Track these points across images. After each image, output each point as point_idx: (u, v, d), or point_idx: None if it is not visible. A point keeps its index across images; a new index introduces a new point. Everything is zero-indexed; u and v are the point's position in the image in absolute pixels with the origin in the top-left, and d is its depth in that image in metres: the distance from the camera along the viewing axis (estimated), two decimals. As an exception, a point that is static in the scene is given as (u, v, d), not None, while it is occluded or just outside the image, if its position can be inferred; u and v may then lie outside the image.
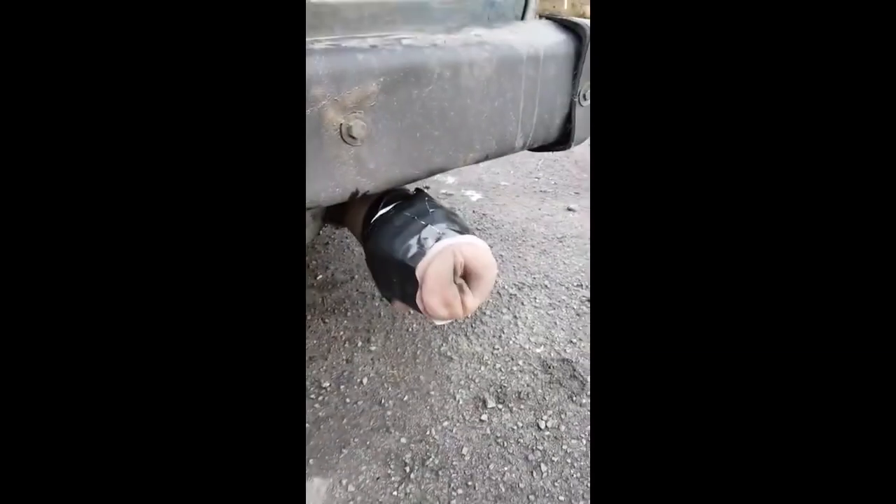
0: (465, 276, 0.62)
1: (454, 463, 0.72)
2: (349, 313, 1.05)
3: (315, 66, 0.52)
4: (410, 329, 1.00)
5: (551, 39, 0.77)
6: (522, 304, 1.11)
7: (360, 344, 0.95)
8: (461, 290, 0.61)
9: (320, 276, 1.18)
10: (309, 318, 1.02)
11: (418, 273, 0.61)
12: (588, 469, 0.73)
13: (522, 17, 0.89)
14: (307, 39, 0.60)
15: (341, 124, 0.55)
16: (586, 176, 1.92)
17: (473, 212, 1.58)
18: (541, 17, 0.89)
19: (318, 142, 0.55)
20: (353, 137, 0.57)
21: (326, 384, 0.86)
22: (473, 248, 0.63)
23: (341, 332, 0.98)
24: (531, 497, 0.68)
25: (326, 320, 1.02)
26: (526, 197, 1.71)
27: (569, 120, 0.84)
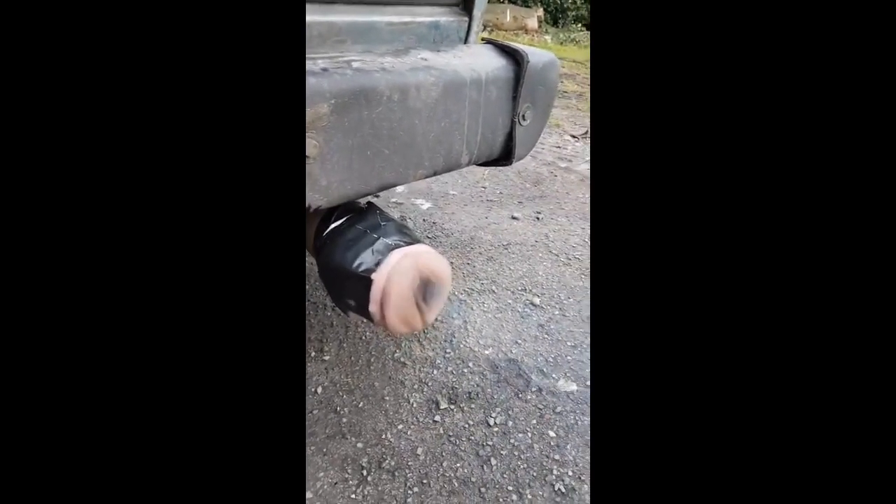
0: (423, 290, 0.66)
1: (409, 463, 0.75)
2: (302, 324, 1.04)
3: (268, 88, 0.54)
4: (364, 337, 1.02)
5: (493, 64, 0.83)
6: (472, 308, 1.16)
7: (313, 354, 0.96)
8: (419, 305, 0.65)
9: (270, 288, 1.16)
10: None
11: (375, 287, 0.63)
12: (534, 460, 0.79)
13: (466, 40, 0.95)
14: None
15: (294, 143, 0.57)
16: (529, 185, 2.03)
17: (424, 220, 1.62)
18: (483, 41, 0.95)
19: (272, 160, 0.56)
20: (307, 157, 0.59)
21: None
22: (431, 260, 0.67)
23: (294, 344, 0.98)
24: (482, 489, 0.73)
25: (278, 332, 1.01)
26: (473, 206, 1.77)
27: (510, 138, 0.91)
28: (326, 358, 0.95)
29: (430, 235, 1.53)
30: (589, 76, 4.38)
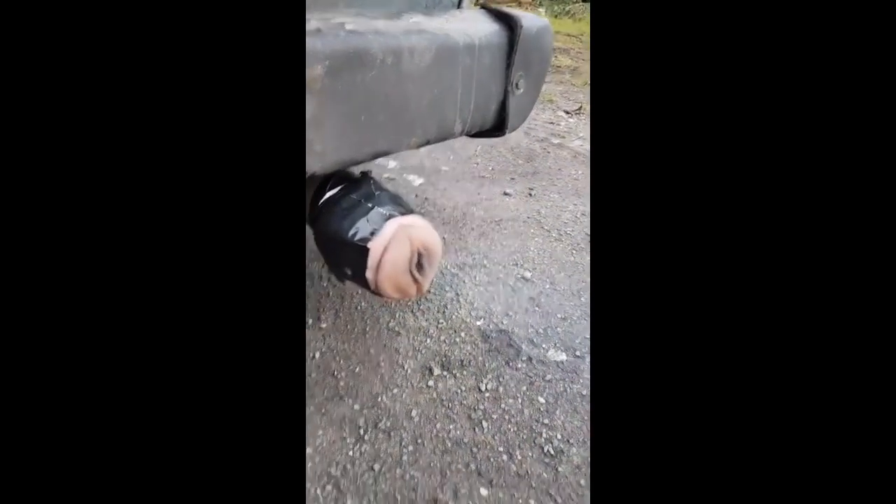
0: (419, 259, 0.67)
1: (404, 424, 0.78)
2: (296, 295, 1.05)
3: (260, 47, 0.53)
4: (359, 307, 1.03)
5: (486, 29, 0.82)
6: (464, 282, 1.18)
7: (310, 322, 0.97)
8: (413, 274, 0.66)
9: (264, 260, 1.16)
10: None
11: (371, 255, 0.64)
12: (524, 423, 0.82)
13: (459, 6, 0.93)
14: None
15: (288, 106, 0.57)
16: (521, 162, 2.02)
17: (416, 196, 1.62)
18: (477, 5, 0.93)
19: (264, 122, 0.56)
20: (300, 119, 0.58)
21: None
22: (424, 232, 0.68)
23: (289, 313, 0.99)
24: (474, 449, 0.76)
25: (273, 303, 1.02)
26: (465, 182, 1.77)
27: (503, 108, 0.90)
28: (323, 326, 0.97)
29: (422, 211, 1.53)
30: (585, 50, 4.31)
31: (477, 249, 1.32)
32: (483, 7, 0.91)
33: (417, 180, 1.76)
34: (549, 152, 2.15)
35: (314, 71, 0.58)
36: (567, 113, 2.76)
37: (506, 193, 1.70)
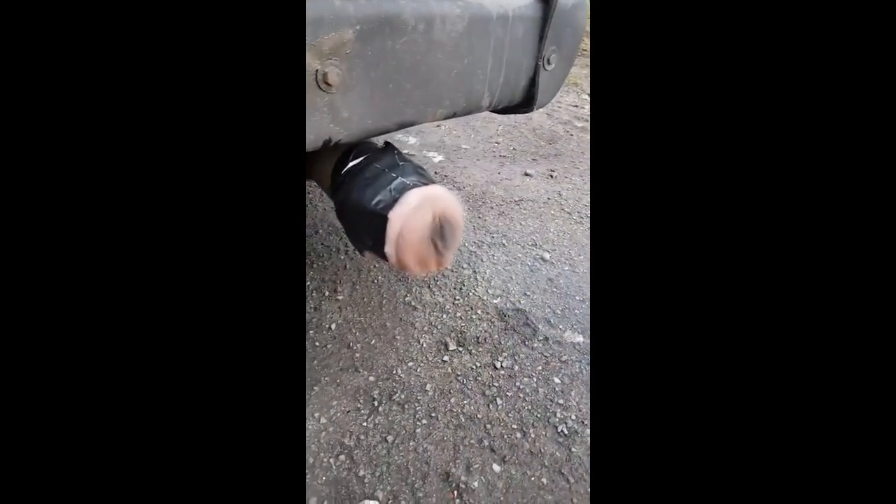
0: (440, 231, 0.66)
1: (419, 398, 0.78)
2: (315, 265, 1.05)
3: (291, 6, 0.51)
4: (376, 281, 1.03)
5: (521, 1, 0.79)
6: (482, 260, 1.16)
7: (326, 293, 0.97)
8: (435, 245, 0.64)
9: (283, 231, 1.16)
10: None
11: (392, 225, 0.63)
12: (538, 402, 0.81)
13: (492, -24, 0.89)
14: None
15: (317, 70, 0.55)
16: (544, 143, 1.98)
17: (436, 173, 1.60)
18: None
19: (292, 86, 0.54)
20: (329, 84, 0.57)
21: None
22: (447, 202, 0.66)
23: (308, 283, 1.00)
24: (487, 426, 0.76)
25: (291, 273, 1.03)
26: (486, 161, 1.74)
27: (533, 83, 0.87)
28: (340, 298, 0.97)
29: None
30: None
31: (496, 228, 1.31)
32: (519, -25, 0.86)
33: (437, 157, 1.73)
34: (571, 135, 2.09)
35: (344, 35, 0.56)
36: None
37: (527, 174, 1.66)
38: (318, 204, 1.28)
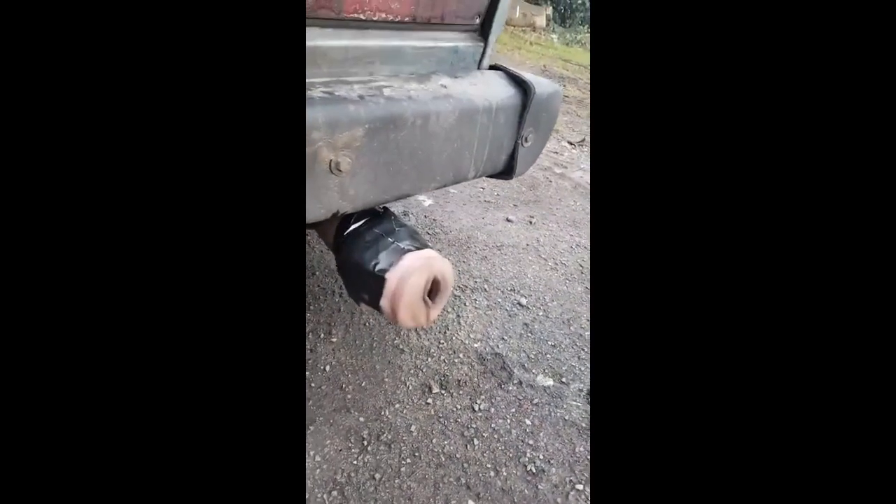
0: (431, 290, 0.75)
1: (404, 438, 0.86)
2: (311, 307, 1.13)
3: (315, 114, 0.62)
4: (367, 324, 1.11)
5: (503, 93, 0.92)
6: (465, 304, 1.26)
7: (322, 335, 1.05)
8: (426, 303, 0.74)
9: (282, 272, 1.24)
10: None
11: (388, 285, 0.72)
12: (511, 443, 0.90)
13: (480, 64, 1.03)
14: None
15: (331, 160, 0.65)
16: (525, 189, 2.12)
17: (425, 216, 1.71)
18: (492, 67, 1.03)
19: (311, 173, 0.65)
20: (340, 171, 0.67)
21: None
22: (439, 265, 0.76)
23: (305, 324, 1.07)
24: (465, 465, 0.84)
25: (289, 313, 1.10)
26: (471, 206, 1.86)
27: (512, 157, 1.00)
28: (334, 340, 1.05)
29: (430, 232, 1.61)
30: (590, 81, 4.42)
31: (479, 273, 1.41)
32: (501, 69, 1.00)
33: (427, 201, 1.85)
34: (551, 182, 2.24)
35: (356, 132, 0.66)
36: (571, 144, 2.87)
37: (508, 220, 1.79)
38: (316, 246, 1.37)
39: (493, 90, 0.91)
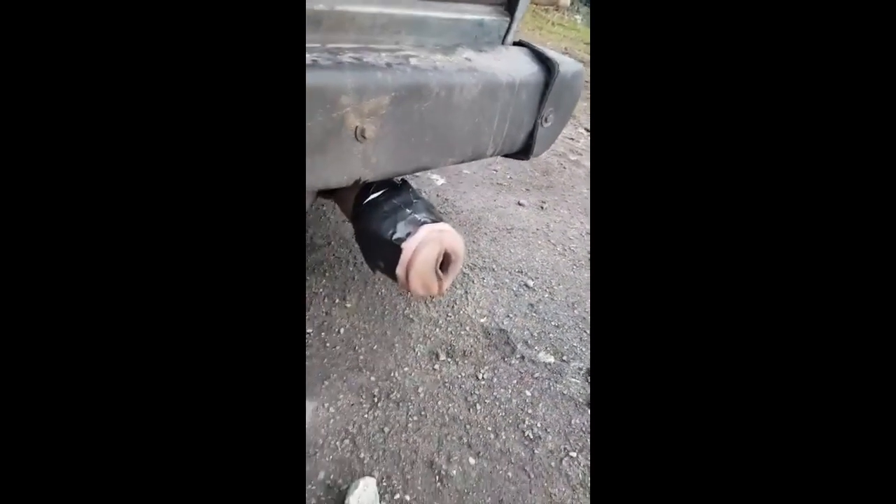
0: (443, 262, 0.78)
1: (411, 398, 0.90)
2: (327, 274, 1.17)
3: (345, 80, 0.64)
4: (380, 293, 1.15)
5: (527, 70, 0.92)
6: (472, 282, 1.29)
7: (337, 301, 1.09)
8: (438, 274, 0.77)
9: (299, 239, 1.28)
10: None
11: (404, 254, 0.75)
12: (511, 411, 0.94)
13: (504, 39, 1.03)
14: (331, 44, 0.70)
15: (357, 127, 0.67)
16: (538, 174, 2.12)
17: (437, 195, 1.73)
18: (516, 43, 1.03)
19: (337, 139, 0.67)
20: (364, 138, 0.69)
21: (309, 331, 0.99)
22: (452, 238, 0.79)
23: (321, 290, 1.11)
24: (467, 426, 0.88)
25: (307, 277, 1.14)
26: (484, 187, 1.88)
27: (531, 136, 1.01)
28: (348, 305, 1.09)
29: (442, 211, 1.63)
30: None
31: (488, 253, 1.43)
32: (528, 47, 1.00)
33: (440, 180, 1.86)
34: (564, 168, 2.24)
35: (382, 100, 0.68)
36: (587, 130, 2.84)
37: (520, 203, 1.80)
38: (331, 216, 1.40)
39: (516, 66, 0.92)
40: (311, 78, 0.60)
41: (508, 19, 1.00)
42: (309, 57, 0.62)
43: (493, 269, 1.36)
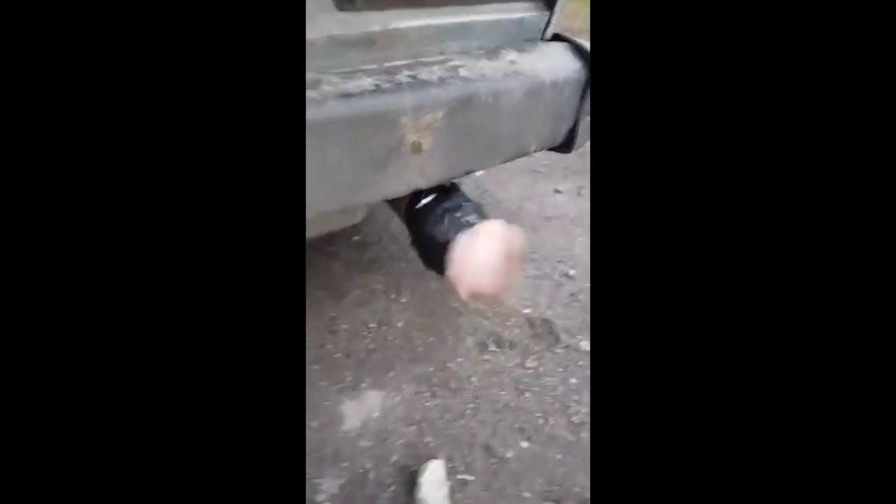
0: (504, 261, 0.81)
1: (466, 387, 0.97)
2: (381, 271, 1.25)
3: (404, 100, 0.67)
4: (430, 288, 1.21)
5: (569, 67, 0.92)
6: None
7: (393, 296, 1.17)
8: (495, 275, 0.80)
9: (355, 238, 1.36)
10: (352, 271, 1.24)
11: (458, 256, 0.79)
12: (558, 398, 0.98)
13: (544, 33, 1.02)
14: (387, 63, 0.73)
15: (413, 141, 0.71)
16: (574, 157, 2.09)
17: (477, 186, 1.75)
18: (556, 37, 1.02)
19: (396, 155, 0.71)
20: (421, 150, 0.73)
21: (372, 325, 1.09)
22: (509, 234, 0.81)
23: (378, 286, 1.20)
24: (518, 413, 0.94)
25: (365, 275, 1.24)
26: (521, 175, 1.88)
27: (573, 130, 1.01)
28: (403, 301, 1.17)
29: (482, 201, 1.66)
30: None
31: (529, 244, 1.46)
32: (569, 42, 0.99)
33: (479, 171, 1.88)
34: (600, 151, 2.19)
35: (437, 114, 0.71)
36: (623, 109, 2.74)
37: (557, 191, 1.80)
38: (379, 215, 1.46)
39: (558, 64, 0.92)
40: (376, 103, 0.64)
41: (548, 14, 1.00)
42: (370, 81, 0.66)
43: (534, 260, 1.39)
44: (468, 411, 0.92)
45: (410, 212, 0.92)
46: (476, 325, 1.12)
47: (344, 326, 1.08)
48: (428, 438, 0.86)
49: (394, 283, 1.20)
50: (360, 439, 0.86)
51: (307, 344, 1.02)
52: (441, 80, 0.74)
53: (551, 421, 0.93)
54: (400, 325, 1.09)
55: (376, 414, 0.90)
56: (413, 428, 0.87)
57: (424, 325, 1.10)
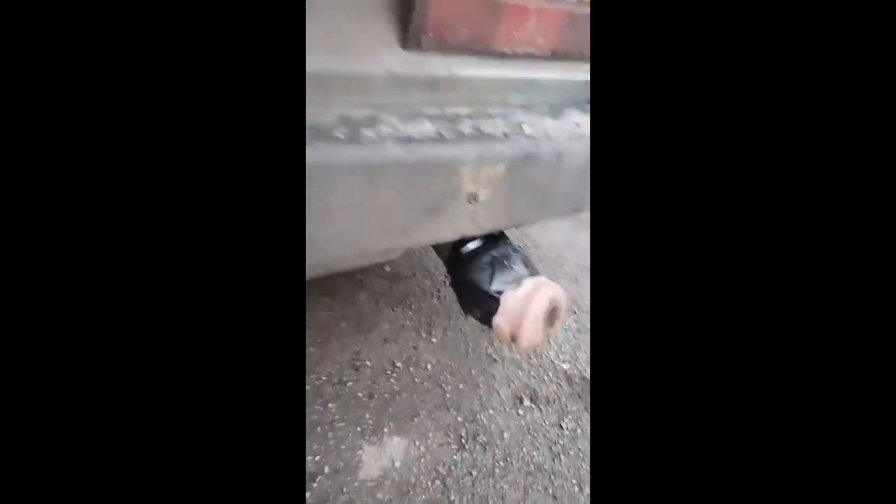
0: (548, 316, 0.80)
1: (497, 442, 0.92)
2: (413, 306, 1.23)
3: (466, 152, 0.69)
4: (463, 329, 1.19)
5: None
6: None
7: (423, 335, 1.15)
8: (543, 328, 0.79)
9: (388, 269, 1.36)
10: (380, 304, 1.22)
11: (507, 308, 0.78)
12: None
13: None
14: (447, 108, 0.75)
15: (470, 192, 0.72)
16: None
17: (517, 230, 1.74)
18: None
19: (451, 202, 0.72)
20: (476, 201, 0.74)
21: (399, 364, 1.06)
22: (557, 292, 0.80)
23: (407, 322, 1.18)
24: (552, 477, 0.88)
25: (395, 309, 1.21)
26: (563, 222, 1.86)
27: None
28: (434, 340, 1.14)
29: (521, 245, 1.65)
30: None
31: (569, 294, 1.42)
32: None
33: (532, 223, 1.88)
34: (645, 203, 2.15)
35: (498, 168, 0.72)
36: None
37: (599, 241, 1.76)
38: (416, 250, 1.47)
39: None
40: (438, 153, 0.66)
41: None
42: (432, 127, 0.68)
43: (575, 312, 1.34)
44: (498, 470, 0.87)
45: (455, 254, 0.92)
46: (510, 375, 1.08)
47: (368, 363, 1.03)
48: (453, 496, 0.81)
49: (425, 320, 1.19)
50: (378, 490, 0.80)
51: (325, 380, 0.96)
52: (505, 136, 0.75)
53: (587, 490, 0.87)
54: (429, 366, 1.06)
55: (398, 463, 0.85)
56: (437, 483, 0.83)
57: (455, 370, 1.07)
